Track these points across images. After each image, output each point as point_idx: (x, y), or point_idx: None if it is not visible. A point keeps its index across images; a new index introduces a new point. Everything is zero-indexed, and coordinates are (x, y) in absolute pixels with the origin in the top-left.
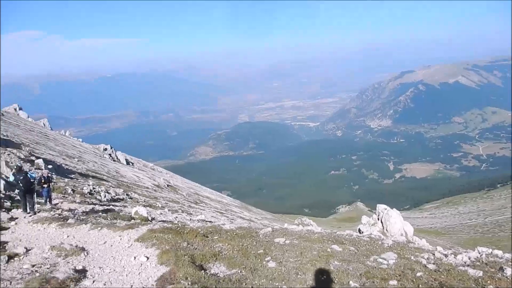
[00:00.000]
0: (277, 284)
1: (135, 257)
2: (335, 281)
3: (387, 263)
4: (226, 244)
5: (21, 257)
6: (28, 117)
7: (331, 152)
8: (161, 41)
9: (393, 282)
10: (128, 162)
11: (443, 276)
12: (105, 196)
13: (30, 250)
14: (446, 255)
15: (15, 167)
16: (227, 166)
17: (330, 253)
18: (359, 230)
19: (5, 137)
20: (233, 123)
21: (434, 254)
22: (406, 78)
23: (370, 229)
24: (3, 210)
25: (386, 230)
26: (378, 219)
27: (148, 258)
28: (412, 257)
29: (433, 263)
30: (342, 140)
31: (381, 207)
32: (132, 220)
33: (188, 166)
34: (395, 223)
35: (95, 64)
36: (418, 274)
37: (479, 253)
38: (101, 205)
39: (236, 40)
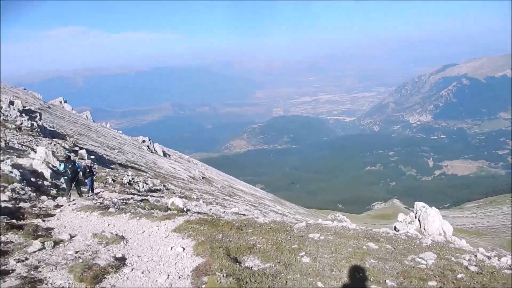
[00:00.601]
0: (311, 279)
1: (171, 248)
2: (371, 279)
3: (426, 263)
4: (261, 237)
5: (65, 243)
6: (72, 109)
7: (367, 147)
8: (198, 36)
9: (432, 283)
10: (165, 154)
11: (486, 279)
12: (143, 187)
13: (74, 237)
14: (489, 257)
15: (65, 156)
16: (261, 159)
17: (366, 251)
18: (395, 228)
19: (51, 129)
20: (267, 117)
21: (476, 256)
22: (449, 72)
23: (406, 227)
24: (50, 197)
25: (424, 229)
26: (416, 217)
27: (184, 248)
28: (453, 258)
29: (475, 265)
30: (379, 135)
31: (419, 204)
32: (169, 211)
33: (223, 158)
34: (433, 222)
35: (134, 58)
36: (459, 276)
37: None
38: (139, 195)
39: (269, 34)
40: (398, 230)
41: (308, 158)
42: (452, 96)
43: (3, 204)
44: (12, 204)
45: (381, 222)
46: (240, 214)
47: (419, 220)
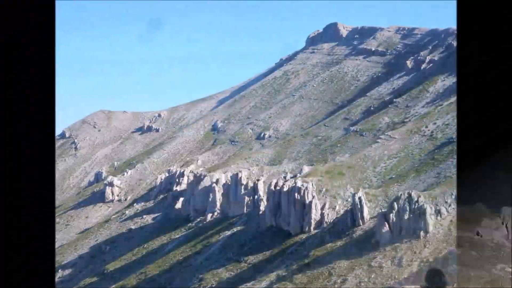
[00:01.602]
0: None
1: None
2: (453, 286)
3: None
4: None
5: None
6: None
7: None
8: None
9: None
10: None
11: None
12: None
13: None
14: None
15: None
16: None
17: (447, 255)
18: (478, 233)
19: None
20: None
21: None
22: None
23: (491, 233)
24: None
25: None
26: (503, 223)
27: None
28: None
29: None
30: None
31: (507, 210)
32: None
33: None
34: None
35: None
36: None
37: None
38: None
39: None
40: (481, 236)
41: None
42: None
43: None
44: None
45: (461, 226)
46: None
47: (506, 227)
